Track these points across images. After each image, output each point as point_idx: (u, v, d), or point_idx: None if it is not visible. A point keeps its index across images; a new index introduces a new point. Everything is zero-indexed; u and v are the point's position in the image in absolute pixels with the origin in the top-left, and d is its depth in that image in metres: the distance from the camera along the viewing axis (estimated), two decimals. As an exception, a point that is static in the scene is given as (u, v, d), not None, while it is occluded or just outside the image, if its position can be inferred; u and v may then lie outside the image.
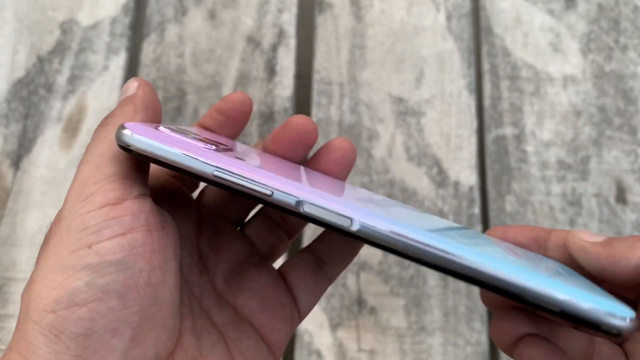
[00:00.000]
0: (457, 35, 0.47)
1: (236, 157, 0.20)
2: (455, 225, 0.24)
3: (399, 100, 0.46)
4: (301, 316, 0.25)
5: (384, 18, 0.48)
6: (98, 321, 0.18)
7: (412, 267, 0.42)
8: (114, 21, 0.48)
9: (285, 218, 0.26)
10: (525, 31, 0.47)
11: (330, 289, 0.41)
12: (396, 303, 0.41)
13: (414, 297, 0.41)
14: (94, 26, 0.48)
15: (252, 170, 0.19)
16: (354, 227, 0.18)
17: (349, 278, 0.42)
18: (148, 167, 0.21)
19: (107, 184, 0.19)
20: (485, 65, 0.46)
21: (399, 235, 0.18)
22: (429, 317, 0.41)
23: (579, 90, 0.46)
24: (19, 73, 0.47)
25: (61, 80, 0.46)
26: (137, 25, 0.48)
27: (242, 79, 0.46)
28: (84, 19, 0.48)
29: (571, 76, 0.46)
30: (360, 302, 0.41)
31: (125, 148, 0.19)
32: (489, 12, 0.48)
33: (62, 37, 0.48)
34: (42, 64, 0.47)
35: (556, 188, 0.43)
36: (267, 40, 0.47)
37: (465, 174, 0.44)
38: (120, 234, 0.19)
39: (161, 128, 0.20)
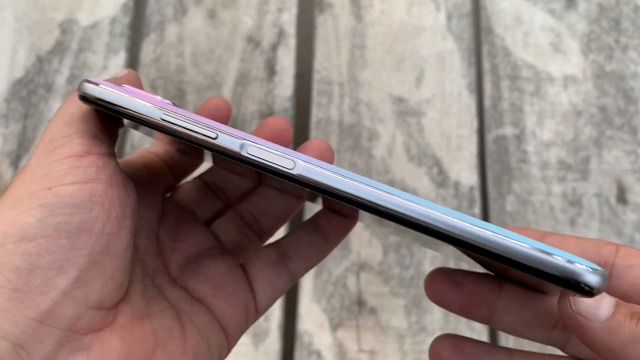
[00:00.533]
0: (458, 35, 0.47)
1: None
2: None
3: (399, 100, 0.46)
4: (258, 309, 0.25)
5: (384, 18, 0.48)
6: (44, 257, 0.18)
7: (413, 268, 0.42)
8: (113, 21, 0.48)
9: (257, 218, 0.27)
10: (525, 31, 0.47)
11: (330, 289, 0.41)
12: (396, 303, 0.41)
13: (414, 297, 0.41)
14: (94, 26, 0.48)
15: (199, 117, 0.19)
16: (296, 171, 0.18)
17: (349, 278, 0.42)
18: (117, 131, 0.22)
19: (75, 138, 0.20)
20: (486, 65, 0.46)
21: (344, 176, 0.18)
22: (429, 317, 0.41)
23: (579, 90, 0.46)
24: (19, 73, 0.47)
25: (61, 80, 0.46)
26: (137, 25, 0.48)
27: (242, 79, 0.46)
28: (84, 18, 0.48)
29: (572, 76, 0.46)
30: (360, 302, 0.41)
31: (82, 98, 0.19)
32: (489, 12, 0.48)
33: (62, 37, 0.48)
34: (41, 64, 0.47)
35: (557, 188, 0.43)
36: (267, 40, 0.47)
37: (466, 174, 0.44)
38: (82, 181, 0.19)
39: (124, 85, 0.20)
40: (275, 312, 0.41)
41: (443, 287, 0.23)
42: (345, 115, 0.45)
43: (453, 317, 0.41)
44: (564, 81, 0.46)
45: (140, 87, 0.23)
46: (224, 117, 0.27)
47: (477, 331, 0.40)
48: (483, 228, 0.17)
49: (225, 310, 0.24)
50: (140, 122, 0.19)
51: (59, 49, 0.47)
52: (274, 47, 0.47)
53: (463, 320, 0.40)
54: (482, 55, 0.47)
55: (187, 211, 0.26)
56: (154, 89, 0.46)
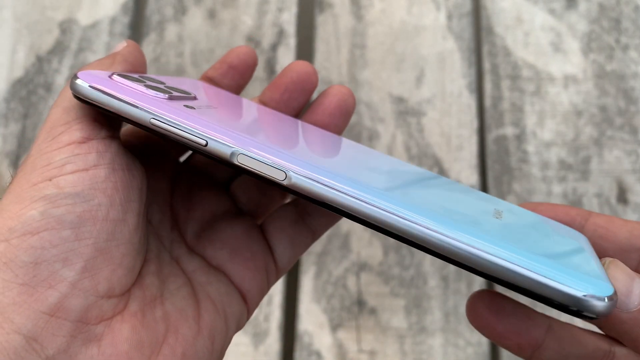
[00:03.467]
0: (458, 34, 0.47)
1: (186, 107, 0.20)
2: (427, 174, 0.23)
3: (400, 99, 0.46)
4: (279, 269, 0.25)
5: (384, 17, 0.48)
6: (49, 250, 0.18)
7: (413, 268, 0.42)
8: (113, 21, 0.48)
9: None
10: (526, 31, 0.47)
11: (330, 289, 0.41)
12: (396, 304, 0.41)
13: (415, 297, 0.41)
14: (93, 26, 0.48)
15: (191, 120, 0.19)
16: (287, 182, 0.18)
17: (349, 279, 0.41)
18: None
19: (75, 124, 0.19)
20: (486, 65, 0.46)
21: (338, 189, 0.17)
22: (429, 317, 0.41)
23: (579, 90, 0.45)
24: (18, 73, 0.47)
25: (60, 80, 0.46)
26: (137, 25, 0.48)
27: (242, 79, 0.46)
28: (83, 18, 0.48)
29: (572, 76, 0.46)
30: (360, 302, 0.41)
31: (74, 95, 0.19)
32: (490, 12, 0.48)
33: (61, 37, 0.47)
34: (41, 64, 0.47)
35: (557, 188, 0.43)
36: (267, 39, 0.47)
37: (466, 174, 0.44)
38: (83, 169, 0.19)
39: (115, 77, 0.20)
40: (275, 312, 0.41)
41: (485, 313, 0.21)
42: (346, 115, 0.45)
43: (453, 317, 0.41)
44: (564, 81, 0.46)
45: (142, 60, 0.23)
46: (251, 62, 0.26)
47: (477, 332, 0.40)
48: (487, 252, 0.16)
49: (244, 275, 0.24)
50: (131, 123, 0.19)
51: (58, 48, 0.47)
52: (274, 47, 0.47)
53: (463, 321, 0.40)
54: (483, 55, 0.47)
55: (203, 175, 0.26)
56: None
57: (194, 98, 0.21)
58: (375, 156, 0.24)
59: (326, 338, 0.40)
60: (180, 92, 0.21)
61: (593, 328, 0.22)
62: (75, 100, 0.20)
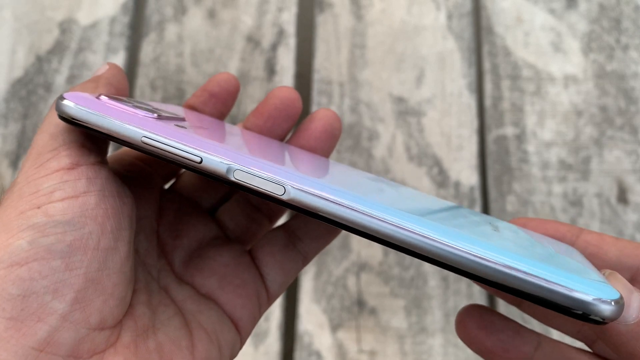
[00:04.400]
0: (458, 34, 0.47)
1: (177, 126, 0.19)
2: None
3: (400, 99, 0.46)
4: (270, 296, 0.25)
5: (384, 17, 0.48)
6: (38, 281, 0.17)
7: (413, 268, 0.42)
8: (113, 20, 0.48)
9: (265, 201, 0.26)
10: (526, 30, 0.47)
11: (330, 289, 0.41)
12: (396, 304, 0.41)
13: (415, 297, 0.41)
14: (93, 26, 0.48)
15: (183, 137, 0.18)
16: (286, 197, 0.17)
17: (349, 279, 0.41)
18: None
19: (63, 150, 0.19)
20: (486, 65, 0.46)
21: (338, 203, 0.17)
22: (429, 317, 0.40)
23: (580, 90, 0.45)
24: (18, 73, 0.46)
25: (60, 80, 0.46)
26: (137, 25, 0.48)
27: (242, 79, 0.46)
28: (83, 18, 0.48)
29: (572, 76, 0.46)
30: (360, 302, 0.41)
31: (61, 117, 0.19)
32: (490, 12, 0.48)
33: (61, 37, 0.47)
34: (40, 64, 0.47)
35: (557, 188, 0.43)
36: (267, 39, 0.47)
37: (466, 174, 0.44)
38: (73, 196, 0.18)
39: (102, 97, 0.19)
40: (275, 313, 0.41)
41: (474, 328, 0.21)
42: (346, 115, 0.45)
43: (454, 317, 0.40)
44: (564, 81, 0.46)
45: (125, 84, 0.23)
46: (232, 89, 0.26)
47: (478, 332, 0.40)
48: (486, 257, 0.16)
49: (235, 303, 0.23)
50: (121, 143, 0.19)
51: (58, 48, 0.47)
52: (274, 47, 0.47)
53: (463, 320, 0.40)
54: (483, 55, 0.47)
55: (188, 201, 0.25)
56: (153, 89, 0.46)
57: (183, 119, 0.21)
58: (367, 176, 0.24)
59: (326, 338, 0.40)
60: (169, 114, 0.21)
61: (582, 346, 0.22)
62: (61, 126, 0.19)
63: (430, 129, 0.45)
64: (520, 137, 0.44)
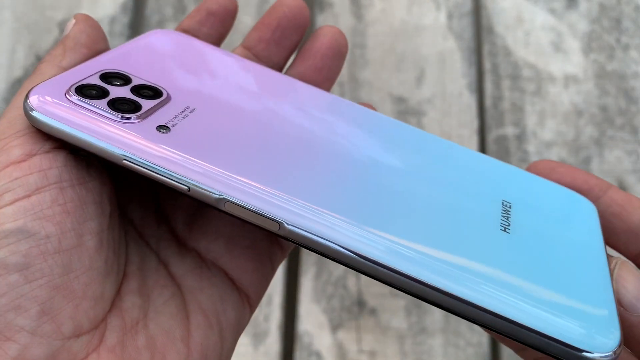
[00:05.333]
0: (458, 34, 0.47)
1: (160, 130, 0.17)
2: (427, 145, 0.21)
3: (400, 99, 0.46)
4: (283, 249, 0.23)
5: (385, 17, 0.48)
6: None
7: (413, 268, 0.42)
8: (113, 20, 0.48)
9: None
10: (526, 30, 0.47)
11: (330, 289, 0.41)
12: (396, 304, 0.41)
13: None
14: (93, 25, 0.48)
15: (170, 159, 0.16)
16: (282, 232, 0.16)
17: (349, 279, 0.41)
18: None
19: (14, 139, 0.17)
20: (487, 65, 0.46)
21: (331, 241, 0.16)
22: (429, 318, 0.40)
23: (580, 89, 0.45)
24: (18, 72, 0.46)
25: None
26: (136, 25, 0.48)
27: (242, 79, 0.46)
28: (83, 18, 0.48)
29: (573, 76, 0.46)
30: (360, 303, 0.41)
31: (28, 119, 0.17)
32: (490, 11, 0.48)
33: (61, 37, 0.47)
34: (40, 64, 0.47)
35: (557, 188, 0.43)
36: (267, 39, 0.47)
37: (466, 174, 0.44)
38: (24, 196, 0.16)
39: (71, 95, 0.17)
40: (275, 313, 0.41)
41: None
42: (346, 115, 0.45)
43: (454, 318, 0.40)
44: (564, 81, 0.46)
45: (97, 35, 0.20)
46: (231, 7, 0.23)
47: (478, 332, 0.40)
48: (488, 308, 0.15)
49: (245, 267, 0.21)
50: (98, 158, 0.17)
51: (58, 48, 0.47)
52: (274, 47, 0.47)
53: (464, 321, 0.40)
54: (483, 55, 0.47)
55: None
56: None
57: (168, 99, 0.19)
58: (376, 134, 0.22)
59: (326, 338, 0.40)
60: (151, 96, 0.19)
61: None
62: (22, 109, 0.17)
63: (431, 129, 0.45)
64: (521, 137, 0.44)
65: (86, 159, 0.18)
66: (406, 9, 0.48)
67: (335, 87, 0.46)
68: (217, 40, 0.24)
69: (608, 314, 0.16)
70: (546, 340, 0.15)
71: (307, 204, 0.17)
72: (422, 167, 0.20)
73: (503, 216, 0.19)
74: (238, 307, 0.21)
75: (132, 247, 0.20)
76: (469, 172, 0.21)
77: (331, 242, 0.16)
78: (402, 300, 0.41)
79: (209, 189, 0.16)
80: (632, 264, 0.18)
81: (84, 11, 0.48)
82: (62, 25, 0.48)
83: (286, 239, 0.17)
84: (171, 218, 0.22)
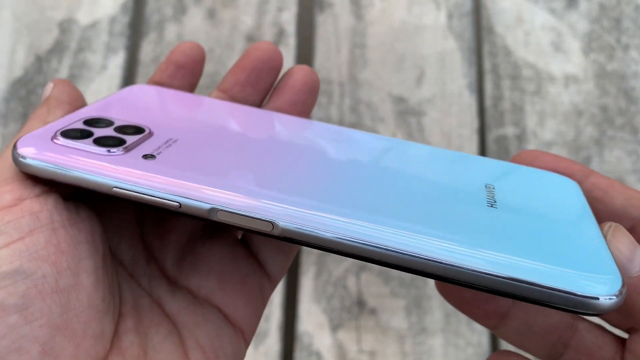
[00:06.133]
0: (458, 34, 0.47)
1: (145, 158, 0.18)
2: (404, 146, 0.22)
3: (400, 99, 0.46)
4: (272, 281, 0.23)
5: (385, 17, 0.48)
6: None
7: (413, 268, 0.42)
8: (112, 20, 0.48)
9: None
10: (526, 30, 0.47)
11: (330, 289, 0.41)
12: (397, 304, 0.41)
13: (415, 298, 0.41)
14: (93, 25, 0.48)
15: (158, 179, 0.17)
16: (276, 232, 0.16)
17: (349, 279, 0.41)
18: None
19: (4, 185, 0.17)
20: (487, 65, 0.46)
21: (325, 230, 0.16)
22: (429, 318, 0.40)
23: (580, 89, 0.45)
24: (18, 72, 0.46)
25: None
26: (136, 24, 0.48)
27: (242, 79, 0.46)
28: (83, 18, 0.48)
29: (573, 76, 0.46)
30: (360, 303, 0.41)
31: (21, 171, 0.18)
32: (490, 11, 0.48)
33: (61, 37, 0.47)
34: (40, 64, 0.47)
35: (557, 188, 0.43)
36: (267, 39, 0.47)
37: (466, 174, 0.44)
38: (18, 238, 0.16)
39: (58, 139, 0.18)
40: (275, 313, 0.41)
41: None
42: (346, 115, 0.45)
43: (454, 318, 0.40)
44: (565, 81, 0.46)
45: (76, 94, 0.21)
46: (198, 57, 0.24)
47: (478, 332, 0.40)
48: (483, 268, 0.15)
49: (237, 302, 0.22)
50: (87, 191, 0.17)
51: (58, 48, 0.47)
52: (274, 47, 0.47)
53: (464, 321, 0.40)
54: (483, 55, 0.47)
55: None
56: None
57: (150, 134, 0.20)
58: (355, 144, 0.23)
59: (326, 338, 0.40)
60: (133, 132, 0.19)
61: None
62: (10, 158, 0.18)
63: (431, 128, 0.45)
64: (521, 137, 0.44)
65: (75, 202, 0.19)
66: (406, 9, 0.48)
67: (335, 87, 0.46)
68: (189, 90, 0.25)
69: (607, 262, 0.16)
70: (556, 293, 0.15)
71: (297, 200, 0.17)
72: (403, 164, 0.21)
73: (488, 196, 0.19)
74: (234, 342, 0.22)
75: (125, 287, 0.21)
76: (449, 167, 0.22)
77: (327, 232, 0.17)
78: (402, 300, 0.41)
79: (200, 202, 0.17)
80: (624, 229, 0.18)
81: (84, 11, 0.48)
82: (62, 25, 0.48)
83: (281, 238, 0.17)
84: (159, 257, 0.22)
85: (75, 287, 0.17)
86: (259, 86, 0.24)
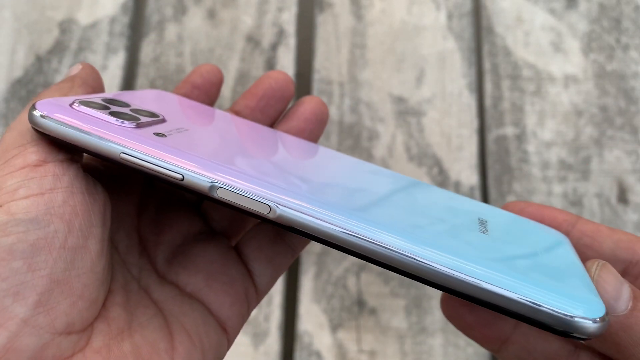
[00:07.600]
0: (458, 34, 0.47)
1: (156, 135, 0.19)
2: (408, 181, 0.22)
3: (400, 99, 0.46)
4: (259, 292, 0.24)
5: (385, 17, 0.48)
6: None
7: (413, 268, 0.42)
8: (113, 20, 0.48)
9: None
10: (526, 30, 0.47)
11: (330, 289, 0.41)
12: (396, 304, 0.41)
13: (415, 297, 0.41)
14: (93, 25, 0.48)
15: (165, 151, 0.17)
16: (272, 215, 0.17)
17: (349, 279, 0.41)
18: None
19: (30, 147, 0.18)
20: (486, 65, 0.46)
21: (323, 219, 0.17)
22: (429, 317, 0.40)
23: (580, 89, 0.45)
24: (18, 73, 0.46)
25: (60, 80, 0.46)
26: (136, 25, 0.48)
27: (242, 78, 0.46)
28: (83, 18, 0.48)
29: (572, 76, 0.46)
30: (360, 302, 0.41)
31: (35, 129, 0.18)
32: (490, 12, 0.48)
33: (61, 37, 0.47)
34: (40, 64, 0.47)
35: (557, 188, 0.43)
36: (267, 39, 0.47)
37: (466, 174, 0.44)
38: (38, 193, 0.17)
39: (76, 105, 0.18)
40: (275, 313, 0.41)
41: (457, 305, 0.22)
42: (346, 115, 0.45)
43: (453, 317, 0.40)
44: (564, 81, 0.46)
45: (100, 83, 0.22)
46: (215, 80, 0.25)
47: (478, 332, 0.40)
48: (474, 276, 0.16)
49: (223, 302, 0.22)
50: (97, 157, 0.18)
51: (58, 48, 0.47)
52: (274, 47, 0.47)
53: (463, 320, 0.40)
54: (483, 55, 0.47)
55: (171, 195, 0.24)
56: (153, 89, 0.46)
57: (163, 120, 0.20)
58: (358, 166, 0.24)
59: (326, 338, 0.40)
60: (148, 115, 0.20)
61: None
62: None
63: (431, 128, 0.45)
64: (521, 137, 0.44)
65: (93, 178, 0.19)
66: (406, 9, 0.48)
67: (335, 87, 0.46)
68: None
69: (592, 293, 0.17)
70: (540, 308, 0.15)
71: (296, 190, 0.18)
72: (404, 192, 0.22)
73: (481, 225, 0.20)
74: (219, 334, 0.22)
75: (117, 270, 0.21)
76: (444, 202, 0.23)
77: (326, 221, 0.17)
78: (402, 300, 0.41)
79: (202, 177, 0.17)
80: (610, 266, 0.18)
81: (84, 11, 0.48)
82: (62, 26, 0.48)
83: (276, 223, 0.17)
84: (151, 252, 0.23)
85: (82, 249, 0.18)
86: (268, 113, 0.25)
